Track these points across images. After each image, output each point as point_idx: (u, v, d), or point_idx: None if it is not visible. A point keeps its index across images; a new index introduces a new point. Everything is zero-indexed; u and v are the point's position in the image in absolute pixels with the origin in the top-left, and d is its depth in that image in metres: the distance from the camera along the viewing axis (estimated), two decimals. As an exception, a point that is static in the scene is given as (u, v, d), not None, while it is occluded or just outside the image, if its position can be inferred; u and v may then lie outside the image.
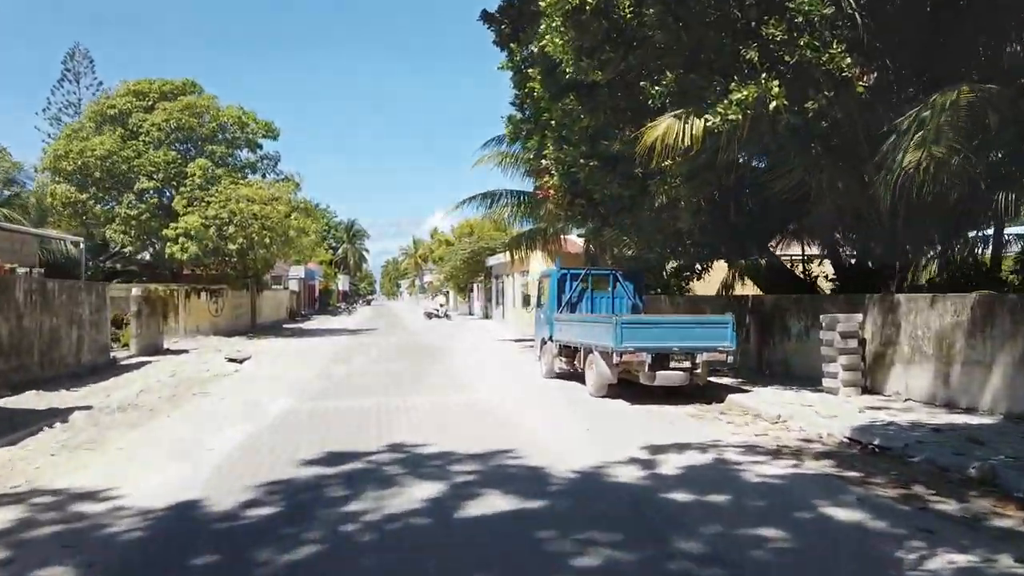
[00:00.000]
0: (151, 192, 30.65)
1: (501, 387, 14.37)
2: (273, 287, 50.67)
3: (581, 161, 16.25)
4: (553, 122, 17.92)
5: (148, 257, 33.57)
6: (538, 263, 35.66)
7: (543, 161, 18.49)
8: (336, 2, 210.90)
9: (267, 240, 30.85)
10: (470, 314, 60.66)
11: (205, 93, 33.32)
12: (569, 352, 14.56)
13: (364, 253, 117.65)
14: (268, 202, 31.04)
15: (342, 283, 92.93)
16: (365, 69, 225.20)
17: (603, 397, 12.58)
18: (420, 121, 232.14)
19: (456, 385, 14.94)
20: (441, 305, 57.39)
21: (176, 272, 32.79)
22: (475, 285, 59.55)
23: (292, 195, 33.88)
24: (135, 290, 21.11)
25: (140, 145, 30.67)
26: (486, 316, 53.52)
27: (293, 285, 58.80)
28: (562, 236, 31.22)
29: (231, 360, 19.82)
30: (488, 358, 20.84)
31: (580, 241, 33.08)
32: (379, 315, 63.44)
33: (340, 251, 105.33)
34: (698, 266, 18.03)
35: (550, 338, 15.39)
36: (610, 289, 15.64)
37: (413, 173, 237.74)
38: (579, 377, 14.11)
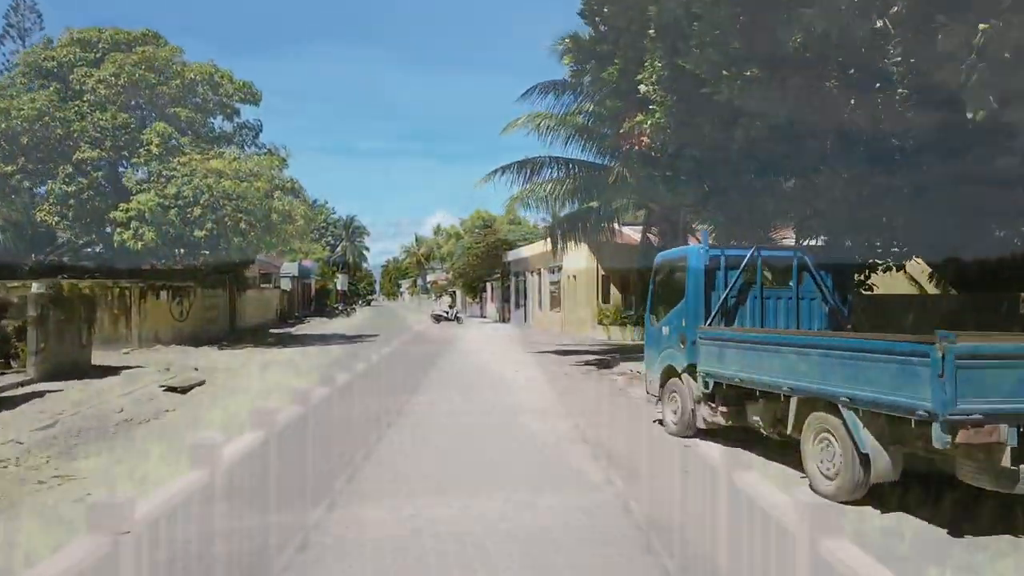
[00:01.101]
0: (96, 163, 24.22)
1: (618, 460, 7.92)
2: (261, 286, 44.16)
3: (724, 72, 9.90)
4: (653, 30, 11.69)
5: (103, 249, 27.15)
6: (582, 258, 29.21)
7: (641, 87, 12.00)
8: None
9: (243, 225, 24.34)
10: (482, 317, 54.06)
11: (168, 45, 26.84)
12: (735, 398, 8.12)
13: (364, 252, 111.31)
14: (245, 179, 24.57)
15: (340, 282, 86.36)
16: (365, 67, 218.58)
17: (854, 503, 6.19)
18: (421, 120, 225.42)
19: (531, 452, 8.53)
20: (451, 307, 50.92)
21: (135, 268, 26.28)
22: (489, 284, 52.99)
23: (276, 172, 27.31)
24: (35, 286, 14.63)
25: (84, 106, 24.23)
26: (502, 320, 46.99)
27: (285, 284, 52.28)
28: (614, 223, 24.82)
29: (169, 389, 13.42)
30: (551, 388, 14.34)
31: (636, 234, 26.73)
32: (381, 317, 56.81)
33: (339, 249, 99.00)
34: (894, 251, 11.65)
35: (686, 370, 8.96)
36: (792, 285, 9.16)
37: (414, 173, 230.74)
38: (742, 436, 7.75)
